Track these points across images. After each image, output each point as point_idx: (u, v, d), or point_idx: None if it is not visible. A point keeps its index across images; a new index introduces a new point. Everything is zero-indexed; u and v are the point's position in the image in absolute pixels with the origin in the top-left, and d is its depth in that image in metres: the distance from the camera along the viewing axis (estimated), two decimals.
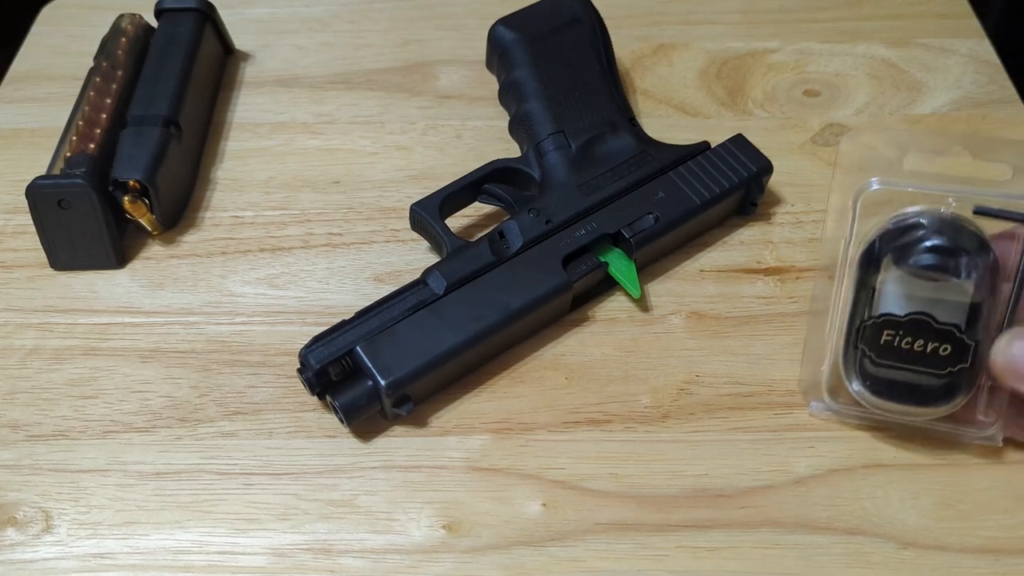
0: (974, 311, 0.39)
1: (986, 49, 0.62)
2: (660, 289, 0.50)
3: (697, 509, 0.42)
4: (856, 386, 0.41)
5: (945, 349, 0.39)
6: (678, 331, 0.48)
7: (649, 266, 0.50)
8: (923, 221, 0.39)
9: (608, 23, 0.56)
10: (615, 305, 0.49)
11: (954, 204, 0.40)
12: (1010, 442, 0.42)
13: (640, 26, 0.64)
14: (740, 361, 0.46)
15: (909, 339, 0.39)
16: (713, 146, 0.52)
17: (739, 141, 0.52)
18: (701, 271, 0.50)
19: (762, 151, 0.51)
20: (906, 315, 0.39)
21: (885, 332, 0.39)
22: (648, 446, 0.44)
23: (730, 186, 0.50)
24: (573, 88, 0.53)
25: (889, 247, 0.39)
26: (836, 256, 0.42)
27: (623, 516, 0.42)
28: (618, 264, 0.48)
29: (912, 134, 0.44)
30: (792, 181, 0.54)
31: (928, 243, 0.39)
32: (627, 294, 0.49)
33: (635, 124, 0.53)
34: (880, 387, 0.41)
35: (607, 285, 0.49)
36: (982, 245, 0.39)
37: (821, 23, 0.64)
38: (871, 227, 0.41)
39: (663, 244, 0.49)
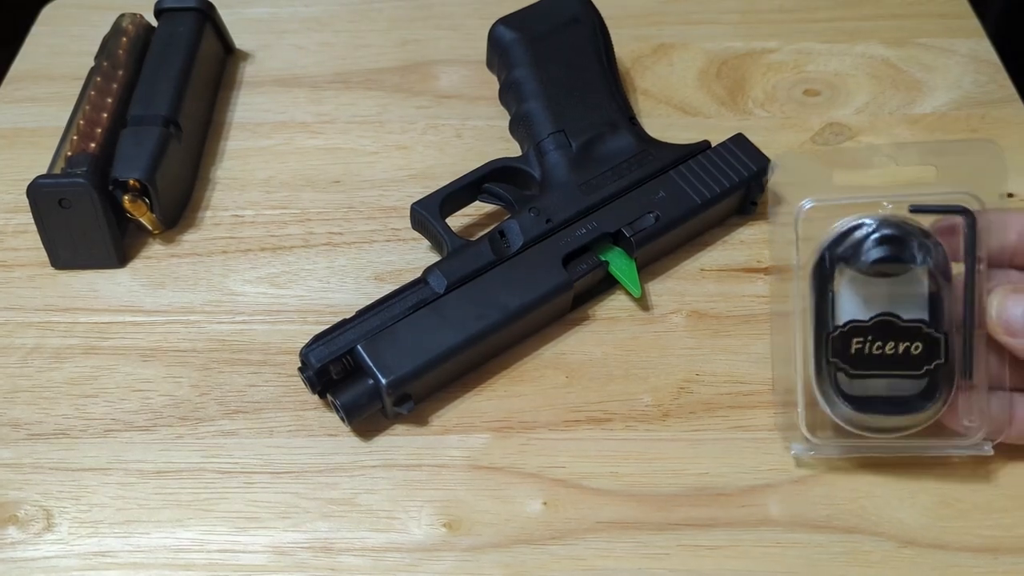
0: (934, 302, 0.38)
1: (986, 49, 0.62)
2: (660, 288, 0.50)
3: (697, 508, 0.42)
4: (837, 408, 0.40)
5: (916, 347, 0.38)
6: (678, 330, 0.48)
7: (649, 265, 0.50)
8: (866, 221, 0.39)
9: (608, 23, 0.56)
10: (616, 304, 0.49)
11: (890, 207, 0.40)
12: (1003, 446, 0.41)
13: (640, 26, 0.64)
14: (740, 360, 0.47)
15: (879, 343, 0.38)
16: (713, 145, 0.52)
17: (739, 140, 0.52)
18: (701, 270, 0.51)
19: (762, 151, 0.51)
20: (871, 318, 0.39)
21: (854, 340, 0.39)
22: (649, 445, 0.44)
23: (730, 185, 0.50)
24: (573, 87, 0.53)
25: (838, 252, 0.39)
26: (788, 290, 0.42)
27: (624, 515, 0.42)
28: (618, 263, 0.48)
29: (836, 153, 0.44)
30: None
31: (875, 236, 0.39)
32: (628, 293, 0.49)
33: (635, 123, 0.53)
34: (862, 403, 0.39)
35: (608, 284, 0.49)
36: (927, 235, 0.39)
37: (821, 23, 0.64)
38: (814, 246, 0.40)
39: (663, 243, 0.50)
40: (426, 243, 0.52)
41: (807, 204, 0.41)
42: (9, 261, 0.52)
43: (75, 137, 0.51)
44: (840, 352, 0.39)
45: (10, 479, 0.43)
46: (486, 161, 0.51)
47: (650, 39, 0.64)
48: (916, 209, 0.39)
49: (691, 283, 0.50)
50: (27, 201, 0.49)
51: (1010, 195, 0.53)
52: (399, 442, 0.44)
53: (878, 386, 0.39)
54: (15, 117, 0.60)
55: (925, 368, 0.39)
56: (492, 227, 0.49)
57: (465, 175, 0.51)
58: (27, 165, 0.54)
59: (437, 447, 0.44)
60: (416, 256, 0.52)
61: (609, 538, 0.41)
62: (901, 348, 0.38)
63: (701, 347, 0.47)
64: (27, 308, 0.50)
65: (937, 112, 0.58)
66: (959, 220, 0.39)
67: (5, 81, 0.62)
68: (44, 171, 0.50)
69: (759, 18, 0.65)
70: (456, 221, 0.51)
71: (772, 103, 0.59)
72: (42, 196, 0.49)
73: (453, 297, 0.45)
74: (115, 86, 0.55)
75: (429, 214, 0.49)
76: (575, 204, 0.49)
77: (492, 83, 0.58)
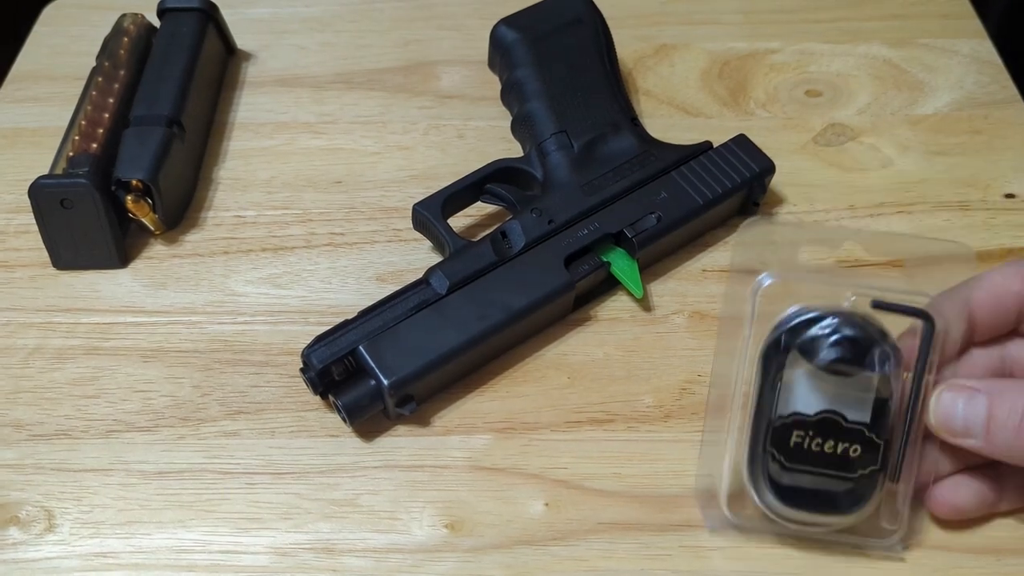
0: (880, 408, 0.38)
1: (988, 49, 0.62)
2: (662, 289, 0.50)
3: (699, 509, 0.42)
4: (764, 497, 0.39)
5: (855, 450, 0.38)
6: (680, 331, 0.48)
7: (651, 266, 0.50)
8: (828, 315, 0.38)
9: (610, 23, 0.56)
10: (617, 305, 0.49)
11: (854, 298, 0.39)
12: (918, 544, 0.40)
13: (642, 26, 0.64)
14: None
15: (819, 440, 0.38)
16: (715, 146, 0.52)
17: (741, 141, 0.52)
18: (703, 271, 0.50)
19: (764, 151, 0.51)
20: (816, 414, 0.38)
21: (795, 433, 0.38)
22: (650, 446, 0.44)
23: (732, 186, 0.50)
24: (576, 88, 0.53)
25: (796, 341, 0.38)
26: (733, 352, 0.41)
27: (626, 516, 0.42)
28: (620, 264, 0.48)
29: (804, 227, 0.43)
30: (794, 181, 0.54)
31: (836, 336, 0.38)
32: (629, 294, 0.49)
33: (637, 124, 0.53)
34: (789, 496, 0.38)
35: (609, 285, 0.49)
36: (886, 338, 0.38)
37: (823, 23, 0.64)
38: (771, 322, 0.40)
39: (665, 244, 0.49)
40: (428, 244, 0.52)
41: (767, 280, 0.40)
42: (11, 261, 0.52)
43: (77, 137, 0.51)
44: (778, 443, 0.38)
45: (12, 480, 0.43)
46: (488, 162, 0.51)
47: (652, 39, 0.64)
48: (878, 305, 0.39)
49: (693, 284, 0.50)
50: (29, 201, 0.49)
51: (1010, 196, 0.53)
52: (401, 443, 0.44)
53: (808, 480, 0.38)
54: (16, 117, 0.60)
55: (859, 472, 0.38)
56: (494, 228, 0.49)
57: (467, 176, 0.51)
58: (29, 165, 0.54)
59: (439, 448, 0.44)
60: (418, 257, 0.52)
61: (611, 539, 0.41)
62: (840, 448, 0.38)
63: (703, 348, 0.47)
64: (29, 309, 0.50)
65: (939, 113, 0.58)
66: (918, 325, 0.39)
67: (6, 81, 0.62)
68: (46, 171, 0.50)
69: (761, 18, 0.65)
70: (458, 222, 0.51)
71: (774, 104, 0.59)
72: (44, 196, 0.49)
73: (455, 298, 0.45)
74: (117, 86, 0.55)
75: (431, 215, 0.49)
76: (577, 205, 0.49)
77: (494, 83, 0.58)
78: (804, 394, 0.38)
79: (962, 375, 0.40)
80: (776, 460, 0.38)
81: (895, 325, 0.39)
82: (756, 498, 0.39)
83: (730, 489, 0.40)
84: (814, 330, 0.38)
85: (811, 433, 0.38)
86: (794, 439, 0.38)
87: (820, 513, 0.39)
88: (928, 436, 0.39)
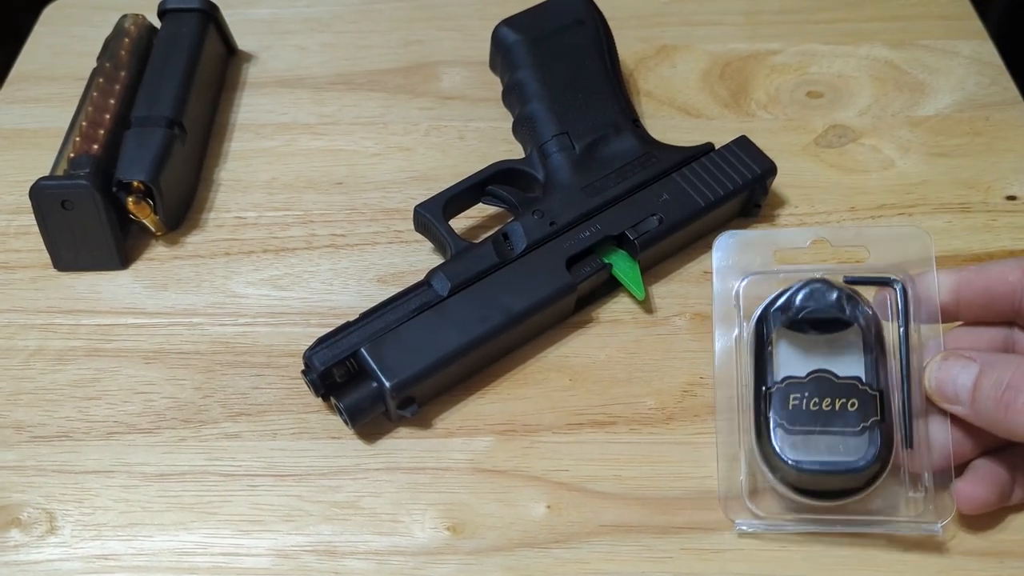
0: (868, 361, 0.40)
1: (989, 51, 0.62)
2: (664, 291, 0.50)
3: (701, 511, 0.42)
4: (778, 472, 0.39)
5: (853, 404, 0.39)
6: (682, 333, 0.48)
7: (653, 268, 0.50)
8: (802, 285, 0.41)
9: (611, 24, 0.56)
10: (619, 307, 0.49)
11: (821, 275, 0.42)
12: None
13: (643, 27, 0.64)
14: None
15: (816, 399, 0.39)
16: (717, 147, 0.52)
17: (743, 143, 0.52)
18: (705, 273, 0.50)
19: (766, 153, 0.51)
20: (807, 374, 0.39)
21: (791, 396, 0.39)
22: (652, 448, 0.44)
23: (734, 188, 0.50)
24: (577, 89, 0.53)
25: (775, 311, 0.41)
26: (731, 359, 0.43)
27: (627, 518, 0.42)
28: (622, 266, 0.48)
29: (773, 234, 0.46)
30: (795, 183, 0.54)
31: (805, 290, 0.40)
32: (631, 296, 0.49)
33: (639, 126, 0.53)
34: (803, 473, 0.38)
35: (611, 287, 0.49)
36: (857, 297, 0.40)
37: (824, 24, 0.64)
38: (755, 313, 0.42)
39: (667, 246, 0.49)
40: (429, 245, 0.51)
41: (745, 280, 0.43)
42: (11, 263, 0.52)
43: (77, 138, 0.51)
44: (778, 408, 0.39)
45: (13, 482, 0.43)
46: (489, 163, 0.51)
47: (653, 40, 0.64)
48: (850, 280, 0.41)
49: (695, 286, 0.50)
50: (29, 202, 0.49)
51: (1012, 198, 0.53)
52: (403, 445, 0.44)
53: (819, 448, 0.38)
54: (17, 118, 0.60)
55: (862, 425, 0.38)
56: (495, 229, 0.49)
57: (468, 177, 0.51)
58: (29, 166, 0.53)
59: (441, 450, 0.44)
60: (419, 258, 0.52)
61: (612, 541, 0.41)
62: (838, 404, 0.39)
63: (705, 350, 0.47)
64: (29, 310, 0.50)
65: (940, 114, 0.58)
66: (889, 290, 0.41)
67: (7, 82, 0.62)
68: (47, 172, 0.50)
69: (762, 20, 0.65)
70: (459, 223, 0.51)
71: (775, 105, 0.59)
72: (45, 198, 0.49)
73: (456, 300, 0.45)
74: (117, 87, 0.55)
75: (432, 216, 0.49)
76: (578, 206, 0.49)
77: (495, 84, 0.58)
78: (793, 359, 0.40)
79: (965, 347, 0.41)
80: (779, 425, 0.39)
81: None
82: (771, 477, 0.39)
83: (750, 486, 0.41)
84: (789, 296, 0.41)
85: (806, 394, 0.39)
86: (791, 401, 0.39)
87: (833, 474, 0.38)
88: (942, 412, 0.40)
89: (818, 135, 0.57)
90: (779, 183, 0.53)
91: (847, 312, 0.40)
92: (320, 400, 0.45)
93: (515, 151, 0.55)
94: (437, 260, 0.50)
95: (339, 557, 0.41)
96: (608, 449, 0.44)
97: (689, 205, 0.49)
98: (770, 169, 0.51)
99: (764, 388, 0.40)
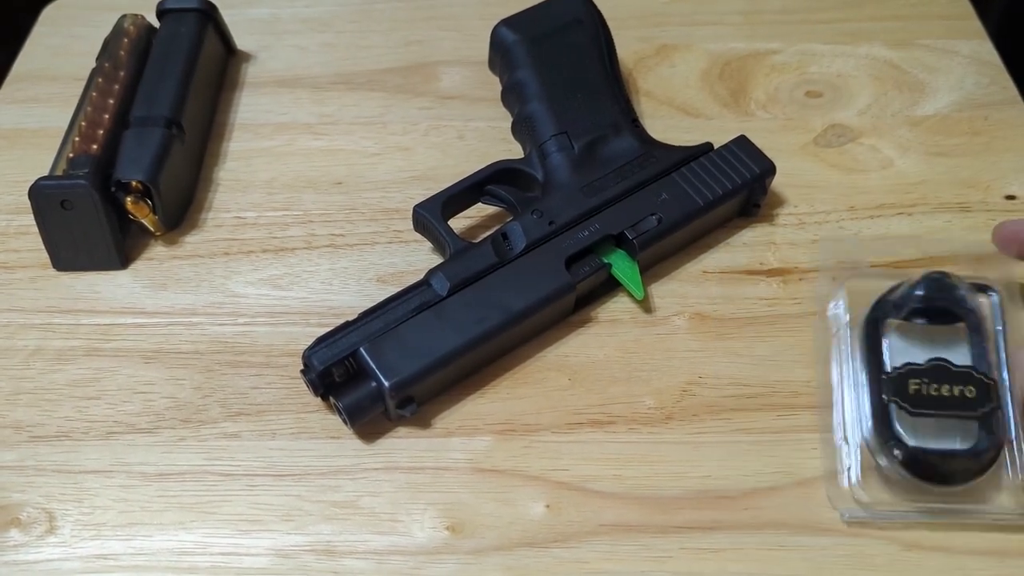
0: (980, 353, 0.41)
1: (988, 50, 0.62)
2: (663, 290, 0.50)
3: (700, 511, 0.42)
4: (893, 456, 0.40)
5: (970, 391, 0.40)
6: (681, 332, 0.48)
7: (652, 267, 0.50)
8: (917, 278, 0.43)
9: (610, 24, 0.56)
10: (618, 306, 0.49)
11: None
12: None
13: (642, 27, 0.64)
14: (743, 362, 0.46)
15: (935, 385, 0.40)
16: (716, 147, 0.52)
17: (742, 142, 0.52)
18: (704, 272, 0.50)
19: (765, 152, 0.51)
20: (927, 362, 0.41)
21: (911, 381, 0.41)
22: (651, 447, 0.44)
23: (733, 187, 0.50)
24: (576, 89, 0.53)
25: (886, 305, 0.43)
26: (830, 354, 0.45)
27: (626, 517, 0.42)
28: (621, 265, 0.48)
29: (865, 242, 0.49)
30: (795, 182, 0.54)
31: (920, 289, 0.43)
32: (630, 295, 0.49)
33: (638, 125, 0.53)
34: (925, 456, 0.40)
35: (610, 286, 0.49)
36: (967, 289, 0.43)
37: (823, 24, 0.64)
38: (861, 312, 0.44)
39: (666, 245, 0.49)
40: (428, 245, 0.51)
41: (851, 280, 0.46)
42: (11, 263, 0.52)
43: (77, 138, 0.51)
44: (899, 392, 0.41)
45: (12, 481, 0.43)
46: (488, 163, 0.51)
47: (652, 40, 0.64)
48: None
49: (693, 285, 0.50)
50: (28, 202, 0.49)
51: (1011, 197, 0.53)
52: (402, 444, 0.44)
53: (938, 433, 0.40)
54: (16, 118, 0.60)
55: (980, 411, 0.40)
56: (494, 229, 0.49)
57: (467, 177, 0.51)
58: (29, 166, 0.53)
59: (440, 449, 0.44)
60: (418, 258, 0.52)
61: (612, 541, 0.41)
62: (956, 391, 0.40)
63: (704, 349, 0.47)
64: (29, 310, 0.50)
65: (940, 114, 0.58)
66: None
67: (6, 82, 0.62)
68: (46, 172, 0.50)
69: (762, 19, 0.65)
70: (458, 223, 0.51)
71: (774, 104, 0.59)
72: (44, 197, 0.49)
73: (456, 299, 0.45)
74: (117, 87, 0.55)
75: (431, 216, 0.49)
76: (578, 206, 0.49)
77: (494, 84, 0.58)
78: (908, 348, 0.42)
79: None
80: (902, 408, 0.40)
81: None
82: (886, 463, 0.40)
83: (858, 475, 0.41)
84: (901, 291, 0.43)
85: (926, 380, 0.41)
86: (911, 387, 0.40)
87: (954, 459, 0.39)
88: None
89: (817, 135, 0.57)
90: (778, 183, 0.53)
91: (954, 304, 0.42)
92: (319, 400, 0.45)
93: (514, 151, 0.55)
94: (436, 260, 0.50)
95: (338, 557, 0.41)
96: (607, 448, 0.44)
97: (688, 205, 0.49)
98: (769, 169, 0.51)
99: (884, 375, 0.41)
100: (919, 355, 0.41)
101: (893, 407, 0.40)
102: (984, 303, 0.44)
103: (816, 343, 0.46)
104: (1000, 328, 0.43)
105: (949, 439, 0.40)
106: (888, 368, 0.41)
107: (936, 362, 0.41)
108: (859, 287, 0.45)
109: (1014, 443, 0.41)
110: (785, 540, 0.41)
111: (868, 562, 0.40)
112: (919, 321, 0.42)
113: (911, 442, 0.40)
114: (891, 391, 0.41)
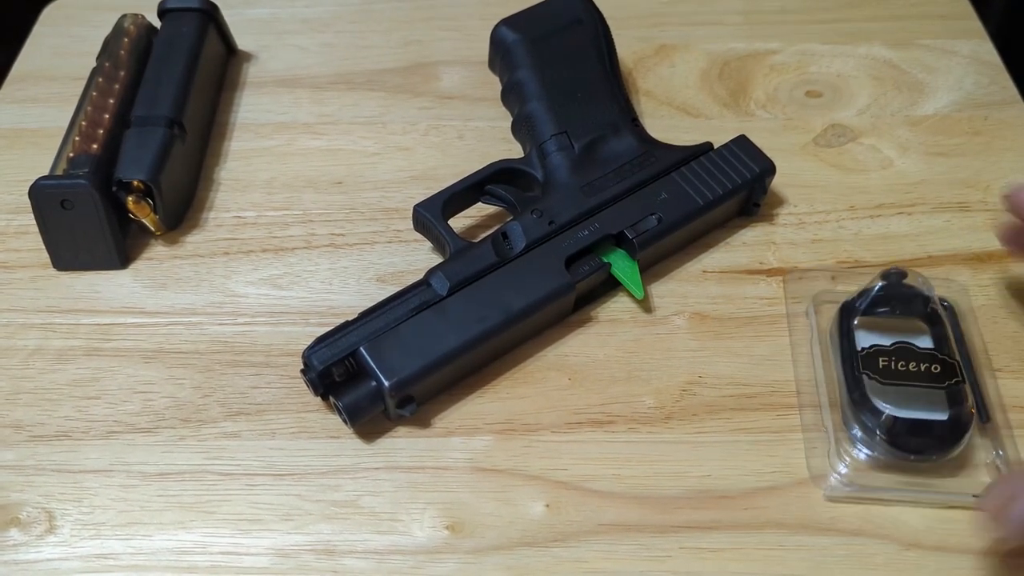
0: (940, 338, 0.44)
1: (988, 50, 0.62)
2: (663, 290, 0.50)
3: (700, 510, 0.42)
4: (872, 427, 0.41)
5: (935, 368, 0.43)
6: (681, 332, 0.48)
7: (652, 267, 0.50)
8: (876, 276, 0.46)
9: (610, 24, 0.56)
10: (618, 306, 0.49)
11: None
12: None
13: (642, 27, 0.64)
14: (743, 362, 0.47)
15: (903, 361, 0.43)
16: (716, 147, 0.52)
17: (742, 142, 0.52)
18: (704, 272, 0.50)
19: (764, 152, 0.51)
20: (891, 344, 0.44)
21: (880, 358, 0.43)
22: (651, 447, 0.44)
23: (733, 187, 0.50)
24: (576, 89, 0.53)
25: (854, 304, 0.46)
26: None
27: (626, 517, 0.42)
28: (621, 265, 0.48)
29: (838, 272, 0.50)
30: (794, 182, 0.54)
31: (880, 287, 0.45)
32: (630, 295, 0.49)
33: (638, 125, 0.53)
34: (897, 424, 0.41)
35: (610, 286, 0.49)
36: (924, 283, 0.45)
37: (823, 24, 0.64)
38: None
39: (666, 245, 0.49)
40: (428, 245, 0.52)
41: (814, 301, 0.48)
42: (11, 262, 0.52)
43: (77, 138, 0.51)
44: (870, 366, 0.43)
45: (12, 481, 0.43)
46: (488, 162, 0.51)
47: (652, 40, 0.64)
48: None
49: (693, 285, 0.50)
50: (29, 202, 0.49)
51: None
52: (401, 444, 0.44)
53: (909, 403, 0.42)
54: (17, 117, 0.60)
55: (947, 383, 0.42)
56: (494, 229, 0.49)
57: (467, 176, 0.51)
58: (29, 166, 0.53)
59: (440, 449, 0.44)
60: (418, 258, 0.52)
61: (611, 540, 0.41)
62: (922, 367, 0.43)
63: (703, 349, 0.47)
64: (29, 310, 0.50)
65: (939, 114, 0.58)
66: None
67: (7, 81, 0.62)
68: (46, 172, 0.50)
69: (761, 19, 0.65)
70: (458, 223, 0.51)
71: (774, 104, 0.59)
72: (44, 197, 0.49)
73: (456, 299, 0.45)
74: (117, 87, 0.55)
75: (431, 215, 0.49)
76: (577, 206, 0.49)
77: (494, 84, 0.58)
78: (874, 337, 0.44)
79: None
80: (872, 378, 0.42)
81: None
82: (862, 436, 0.42)
83: (837, 456, 0.43)
84: (867, 288, 0.46)
85: (893, 358, 0.43)
86: (881, 363, 0.43)
87: (926, 425, 0.41)
88: None
89: (817, 134, 0.57)
90: (778, 182, 0.53)
91: (917, 300, 0.45)
92: (319, 399, 0.45)
93: (514, 150, 0.55)
94: (436, 259, 0.51)
95: (338, 556, 0.41)
96: (607, 448, 0.44)
97: (688, 204, 0.49)
98: (769, 168, 0.51)
99: (854, 354, 0.44)
100: (885, 341, 0.44)
101: (865, 378, 0.42)
102: (942, 296, 0.47)
103: (795, 343, 0.47)
104: (958, 328, 0.46)
105: (920, 408, 0.41)
106: (857, 349, 0.44)
107: (900, 343, 0.44)
108: (827, 308, 0.47)
109: (989, 422, 0.43)
110: (785, 540, 0.41)
111: (868, 562, 0.40)
112: (882, 310, 0.45)
113: (885, 410, 0.41)
114: (862, 366, 0.43)
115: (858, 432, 0.42)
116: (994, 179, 0.54)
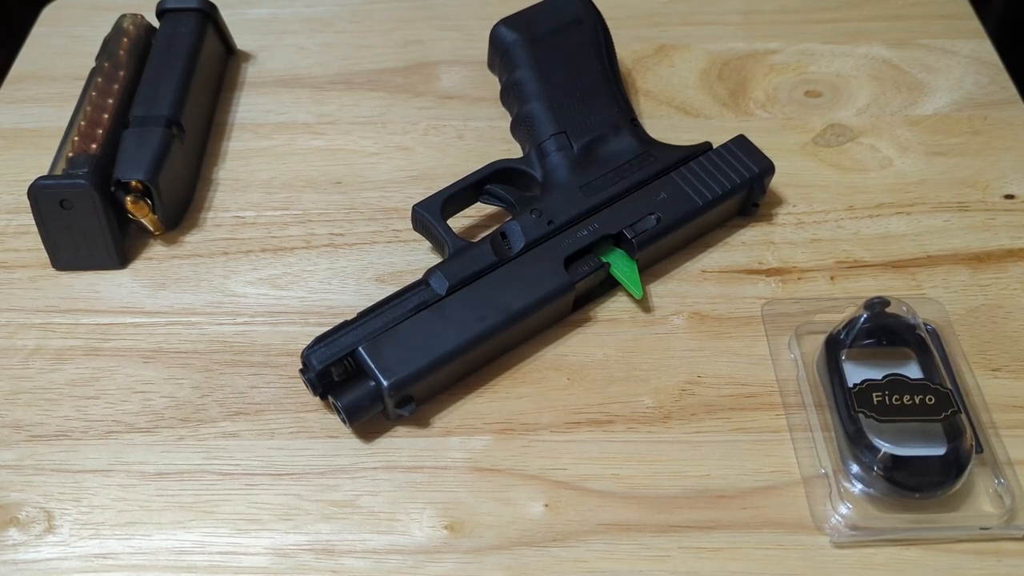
0: (927, 366, 0.43)
1: (987, 50, 0.62)
2: (662, 290, 0.50)
3: (699, 510, 0.42)
4: (872, 466, 0.40)
5: (930, 399, 0.42)
6: (680, 332, 0.48)
7: (651, 267, 0.50)
8: (860, 307, 0.45)
9: (610, 23, 0.56)
10: (617, 306, 0.49)
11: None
12: None
13: (642, 27, 0.64)
14: (742, 362, 0.46)
15: (896, 395, 0.42)
16: (715, 147, 0.52)
17: (741, 142, 0.52)
18: (703, 272, 0.50)
19: (764, 152, 0.51)
20: (883, 377, 0.42)
21: (874, 394, 0.42)
22: (650, 447, 0.44)
23: (732, 187, 0.50)
24: (575, 89, 0.53)
25: (839, 337, 0.45)
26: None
27: (625, 517, 0.42)
28: (620, 265, 0.48)
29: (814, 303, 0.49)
30: (794, 182, 0.54)
31: (866, 320, 0.45)
32: (629, 295, 0.49)
33: (637, 125, 0.53)
34: (897, 462, 0.40)
35: (609, 286, 0.49)
36: (908, 312, 0.45)
37: (822, 24, 0.64)
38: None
39: (665, 245, 0.49)
40: (427, 244, 0.52)
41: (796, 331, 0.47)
42: (10, 262, 0.52)
43: (76, 138, 0.51)
44: (864, 403, 0.42)
45: (11, 481, 0.43)
46: (488, 162, 0.51)
47: (652, 40, 0.64)
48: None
49: (692, 285, 0.50)
50: (28, 202, 0.49)
51: (1010, 196, 0.53)
52: (400, 444, 0.44)
53: (906, 438, 0.41)
54: (16, 117, 0.60)
55: (943, 414, 0.41)
56: (493, 228, 0.49)
57: (467, 176, 0.51)
58: (28, 166, 0.54)
59: (438, 449, 0.44)
60: (417, 257, 0.52)
61: (610, 540, 0.41)
62: (917, 399, 0.42)
63: (703, 349, 0.47)
64: (28, 309, 0.50)
65: (939, 114, 0.58)
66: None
67: (6, 81, 0.62)
68: (45, 172, 0.50)
69: (761, 19, 0.65)
70: (457, 222, 0.51)
71: (773, 104, 0.59)
72: (43, 197, 0.49)
73: (455, 299, 0.45)
74: (116, 87, 0.55)
75: (430, 215, 0.49)
76: (576, 205, 0.49)
77: (494, 84, 0.58)
78: (864, 370, 0.43)
79: None
80: (869, 416, 0.41)
81: None
82: (861, 473, 0.41)
83: (838, 497, 0.41)
84: (853, 318, 0.45)
85: (887, 392, 0.42)
86: (875, 398, 0.42)
87: (926, 461, 0.40)
88: None
89: (816, 134, 0.57)
90: (777, 182, 0.53)
91: (899, 332, 0.44)
92: (318, 399, 0.45)
93: (514, 150, 0.55)
94: (435, 259, 0.51)
95: (337, 556, 0.41)
96: (606, 448, 0.44)
97: (687, 204, 0.49)
98: (768, 168, 0.51)
99: (847, 389, 0.42)
100: (876, 374, 0.43)
101: (861, 417, 0.41)
102: (926, 320, 0.46)
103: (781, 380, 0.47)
104: (943, 350, 0.45)
105: (918, 445, 0.40)
106: (850, 384, 0.43)
107: (892, 376, 0.42)
108: (810, 340, 0.47)
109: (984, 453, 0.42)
110: (784, 539, 0.41)
111: (867, 561, 0.40)
112: (868, 342, 0.44)
113: (884, 448, 0.40)
114: (857, 404, 0.42)
115: (856, 468, 0.41)
116: (994, 179, 0.54)
